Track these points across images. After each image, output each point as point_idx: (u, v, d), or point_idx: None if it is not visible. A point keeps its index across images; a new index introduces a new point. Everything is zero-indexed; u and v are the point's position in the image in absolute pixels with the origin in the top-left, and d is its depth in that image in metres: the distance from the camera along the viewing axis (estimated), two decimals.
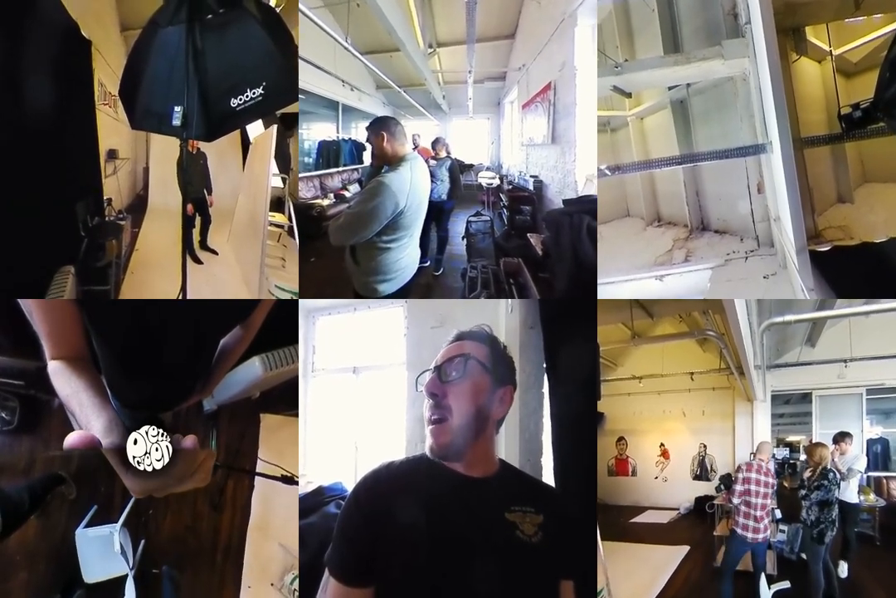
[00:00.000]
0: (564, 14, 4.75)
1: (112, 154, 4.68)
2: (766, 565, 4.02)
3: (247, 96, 2.36)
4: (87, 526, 3.23)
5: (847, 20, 3.27)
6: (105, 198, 4.35)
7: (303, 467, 3.74)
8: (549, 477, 2.66)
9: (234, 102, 2.35)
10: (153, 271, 3.96)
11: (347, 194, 7.53)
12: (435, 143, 5.88)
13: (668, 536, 5.34)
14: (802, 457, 5.71)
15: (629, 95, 3.68)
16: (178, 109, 2.31)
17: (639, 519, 6.28)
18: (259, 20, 2.32)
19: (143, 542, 3.34)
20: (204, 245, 5.15)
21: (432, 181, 5.43)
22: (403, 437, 3.48)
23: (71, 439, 1.07)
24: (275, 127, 4.34)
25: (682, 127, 3.84)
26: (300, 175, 6.99)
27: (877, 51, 3.38)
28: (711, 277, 3.21)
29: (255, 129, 5.19)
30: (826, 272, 2.82)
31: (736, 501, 3.65)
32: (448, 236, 5.83)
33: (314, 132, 7.70)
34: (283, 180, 4.75)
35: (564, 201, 4.37)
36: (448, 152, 5.87)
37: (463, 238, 5.88)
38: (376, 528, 1.23)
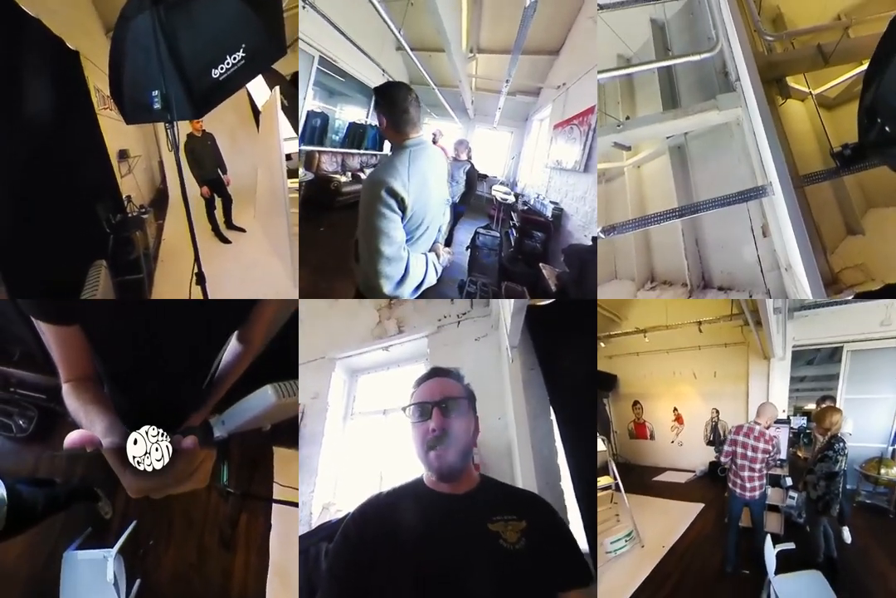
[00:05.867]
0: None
1: (123, 154, 4.61)
2: (774, 526, 3.87)
3: (227, 64, 2.18)
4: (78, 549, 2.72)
5: None
6: (125, 196, 4.32)
7: (334, 497, 3.64)
8: (571, 500, 2.58)
9: (216, 73, 2.18)
10: (181, 258, 3.86)
11: (362, 176, 7.19)
12: (458, 144, 5.51)
13: (685, 494, 5.32)
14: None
15: (629, 149, 3.75)
16: (155, 93, 2.15)
17: (660, 478, 6.28)
18: None
19: (138, 582, 2.78)
20: (229, 224, 4.98)
21: (448, 182, 5.08)
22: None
23: (71, 438, 1.04)
24: (277, 88, 4.10)
25: (679, 172, 3.60)
26: (326, 149, 6.97)
27: (850, 87, 3.64)
28: None
29: (262, 96, 4.85)
30: None
31: (724, 460, 3.51)
32: (452, 241, 5.43)
33: (346, 113, 7.47)
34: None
35: (596, 239, 3.76)
36: (469, 156, 5.50)
37: (467, 248, 5.26)
38: (367, 555, 1.24)
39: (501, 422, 2.92)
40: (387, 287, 2.07)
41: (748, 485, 3.37)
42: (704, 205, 2.71)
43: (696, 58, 2.96)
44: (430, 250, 2.27)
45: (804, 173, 2.86)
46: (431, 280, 2.23)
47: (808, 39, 3.60)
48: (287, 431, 3.24)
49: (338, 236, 4.63)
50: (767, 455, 3.35)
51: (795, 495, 3.95)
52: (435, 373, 1.48)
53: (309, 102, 6.08)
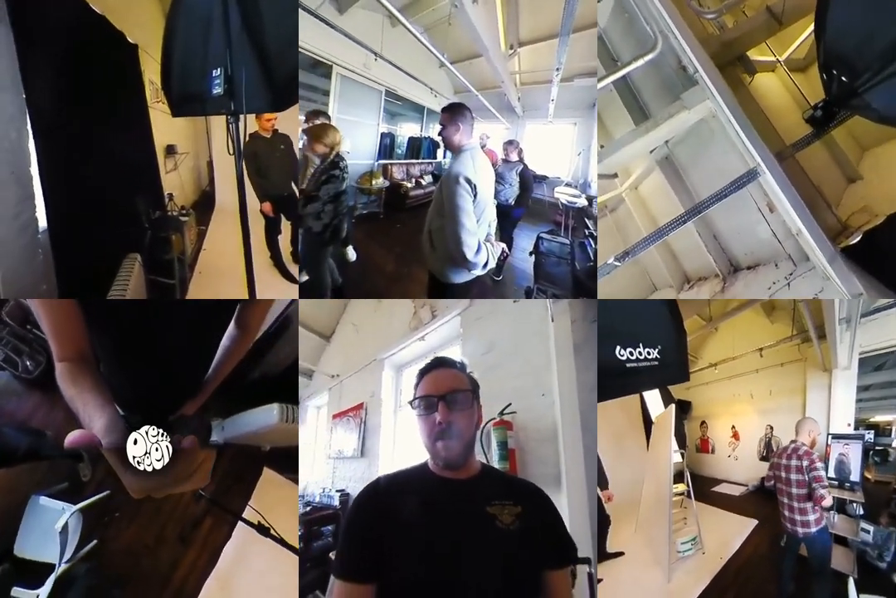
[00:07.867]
0: None
1: (171, 149, 4.36)
2: (842, 564, 3.30)
3: None
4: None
5: None
6: (166, 193, 4.10)
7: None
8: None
9: None
10: (221, 276, 3.56)
11: (423, 182, 8.21)
12: (507, 144, 5.28)
13: (739, 507, 5.25)
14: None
15: (615, 175, 3.72)
16: (216, 72, 1.63)
17: (716, 489, 6.43)
18: None
19: (94, 542, 2.96)
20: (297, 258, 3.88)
21: (500, 183, 4.98)
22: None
23: (72, 438, 1.02)
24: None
25: (675, 180, 3.45)
26: (395, 161, 7.97)
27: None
28: None
29: None
30: (871, 265, 2.61)
31: (767, 484, 3.16)
32: (512, 245, 5.26)
33: (405, 130, 8.58)
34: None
35: None
36: (520, 157, 5.26)
37: (530, 254, 4.79)
38: (377, 527, 1.30)
39: (546, 399, 2.52)
40: (469, 254, 2.54)
41: (787, 514, 2.96)
42: (703, 204, 2.72)
43: (641, 62, 2.76)
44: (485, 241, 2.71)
45: (791, 142, 2.97)
46: (491, 263, 2.69)
47: (758, 4, 3.42)
48: (284, 456, 3.19)
49: (409, 232, 5.49)
50: (801, 476, 2.85)
51: (871, 528, 3.26)
52: (439, 363, 1.48)
53: (380, 125, 7.40)
